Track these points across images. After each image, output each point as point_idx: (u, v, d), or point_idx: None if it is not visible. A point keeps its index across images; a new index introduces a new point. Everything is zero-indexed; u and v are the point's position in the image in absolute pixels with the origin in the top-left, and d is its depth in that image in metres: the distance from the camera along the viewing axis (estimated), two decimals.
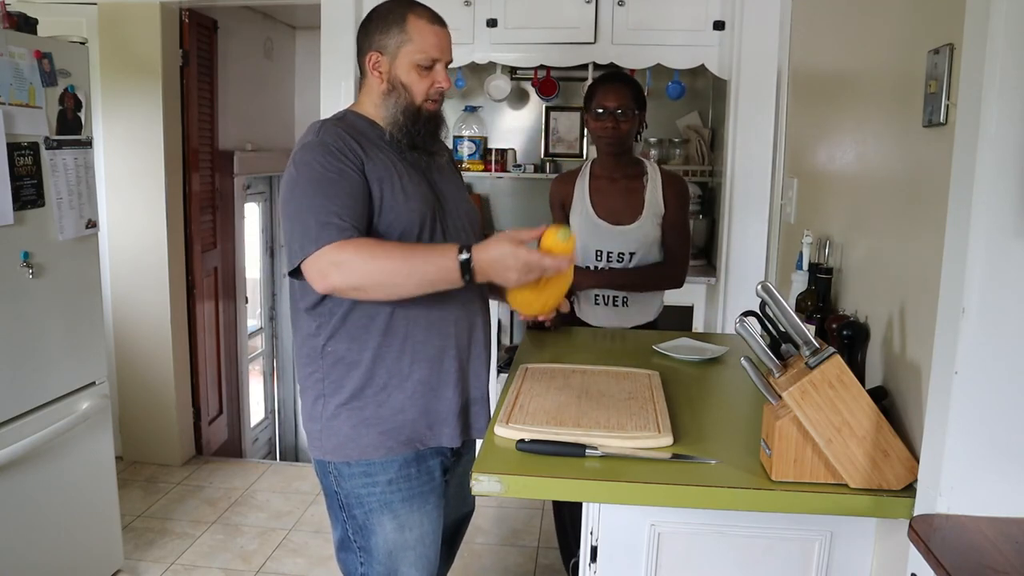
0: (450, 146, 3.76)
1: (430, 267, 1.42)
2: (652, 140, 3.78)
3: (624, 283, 2.37)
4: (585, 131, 3.99)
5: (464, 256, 1.40)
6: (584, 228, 2.39)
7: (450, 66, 1.62)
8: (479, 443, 1.63)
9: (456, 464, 1.75)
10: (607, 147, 2.34)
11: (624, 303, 2.40)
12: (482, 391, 1.70)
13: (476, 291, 1.66)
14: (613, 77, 2.37)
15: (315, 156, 1.49)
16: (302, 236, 1.45)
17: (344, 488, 1.60)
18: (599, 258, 2.38)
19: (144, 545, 2.88)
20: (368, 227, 1.50)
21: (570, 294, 2.49)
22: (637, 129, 2.36)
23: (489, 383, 1.74)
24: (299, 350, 1.63)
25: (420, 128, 1.58)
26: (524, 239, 1.43)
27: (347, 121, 1.59)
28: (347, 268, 1.41)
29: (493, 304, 1.75)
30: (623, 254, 2.37)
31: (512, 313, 4.14)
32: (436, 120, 1.62)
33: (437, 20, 1.58)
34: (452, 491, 1.77)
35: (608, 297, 2.40)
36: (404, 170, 1.56)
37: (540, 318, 1.60)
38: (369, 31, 1.58)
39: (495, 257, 1.41)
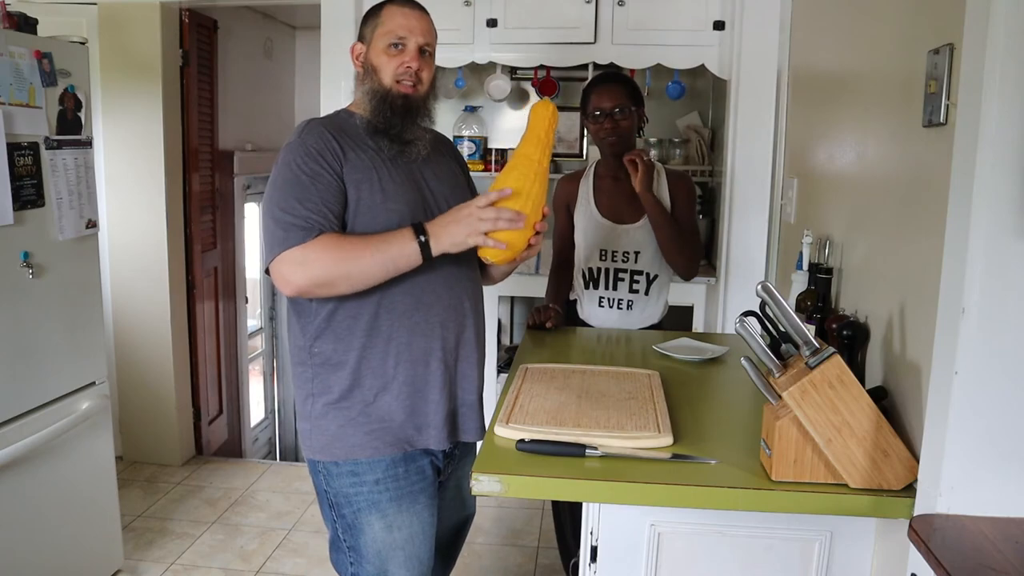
0: None
1: (390, 244, 1.46)
2: (652, 140, 3.78)
3: (665, 222, 2.27)
4: (585, 131, 4.00)
5: (421, 238, 1.46)
6: (589, 228, 2.38)
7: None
8: (477, 445, 1.62)
9: (451, 467, 1.74)
10: (610, 148, 2.32)
11: (629, 306, 2.39)
12: (472, 394, 1.68)
13: (466, 290, 1.65)
14: (605, 78, 2.36)
15: (293, 157, 1.50)
16: (271, 238, 1.47)
17: (333, 487, 1.60)
18: (604, 258, 2.37)
19: (144, 545, 2.88)
20: (343, 229, 1.51)
21: (573, 294, 2.49)
22: (638, 125, 2.35)
23: (482, 385, 1.73)
24: (291, 349, 1.65)
25: (386, 110, 1.56)
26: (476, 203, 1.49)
27: (336, 120, 1.60)
28: (311, 265, 1.44)
29: (491, 305, 1.75)
30: (628, 253, 2.36)
31: (512, 313, 4.14)
32: (409, 105, 1.57)
33: (410, 4, 1.61)
34: (450, 495, 1.77)
35: (613, 300, 2.39)
36: (387, 170, 1.55)
37: (519, 257, 1.57)
38: (359, 29, 1.64)
39: (450, 217, 1.48)
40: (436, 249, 1.47)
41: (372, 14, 1.62)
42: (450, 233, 1.47)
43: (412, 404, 1.59)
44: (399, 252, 1.46)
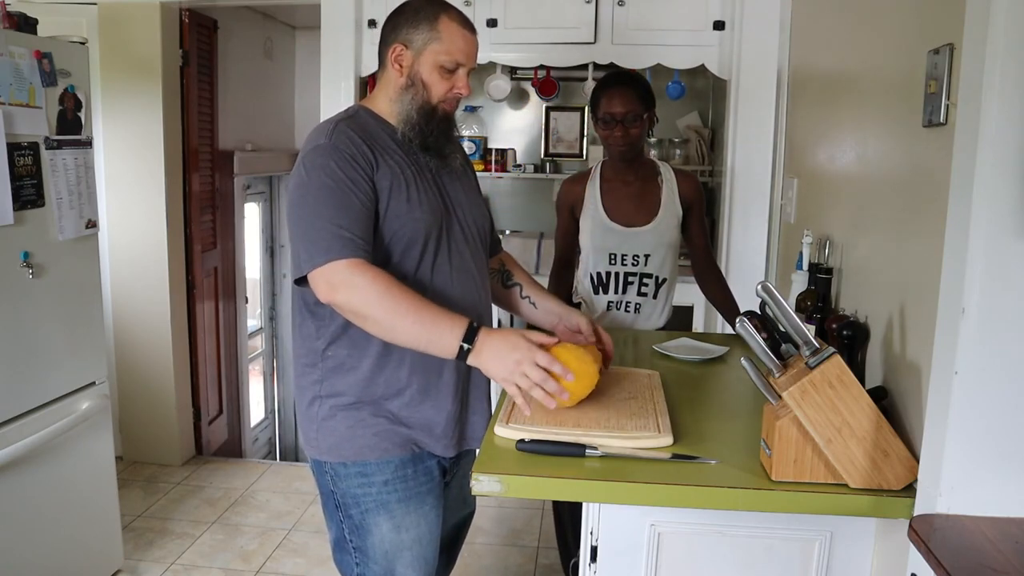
0: None
1: (433, 333, 1.41)
2: (652, 140, 3.78)
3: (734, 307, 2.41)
4: (585, 131, 4.00)
5: (471, 329, 1.40)
6: (596, 232, 2.35)
7: None
8: None
9: (455, 466, 1.74)
10: (619, 154, 2.30)
11: (637, 309, 2.37)
12: (483, 402, 1.69)
13: (480, 300, 1.65)
14: (617, 80, 2.30)
15: (327, 160, 1.46)
16: (313, 244, 1.43)
17: (340, 488, 1.60)
18: (613, 262, 2.35)
19: (144, 545, 2.88)
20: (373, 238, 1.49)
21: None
22: (648, 127, 2.31)
23: (490, 393, 1.73)
24: (298, 351, 1.63)
25: (433, 129, 1.56)
26: (536, 340, 1.43)
27: (359, 121, 1.55)
28: (359, 293, 1.41)
29: (494, 309, 1.76)
30: (638, 256, 2.34)
31: (512, 314, 4.13)
32: (449, 123, 1.60)
33: (468, 25, 1.57)
34: (452, 493, 1.77)
35: (621, 303, 2.37)
36: (413, 176, 1.53)
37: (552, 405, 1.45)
38: (397, 24, 1.56)
39: (499, 340, 1.40)
40: (472, 362, 1.43)
41: (425, 21, 1.53)
42: (491, 364, 1.41)
43: (422, 413, 1.58)
44: (438, 340, 1.41)
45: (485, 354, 1.41)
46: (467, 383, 1.64)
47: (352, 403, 1.56)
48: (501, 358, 1.40)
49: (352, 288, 1.41)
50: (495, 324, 3.38)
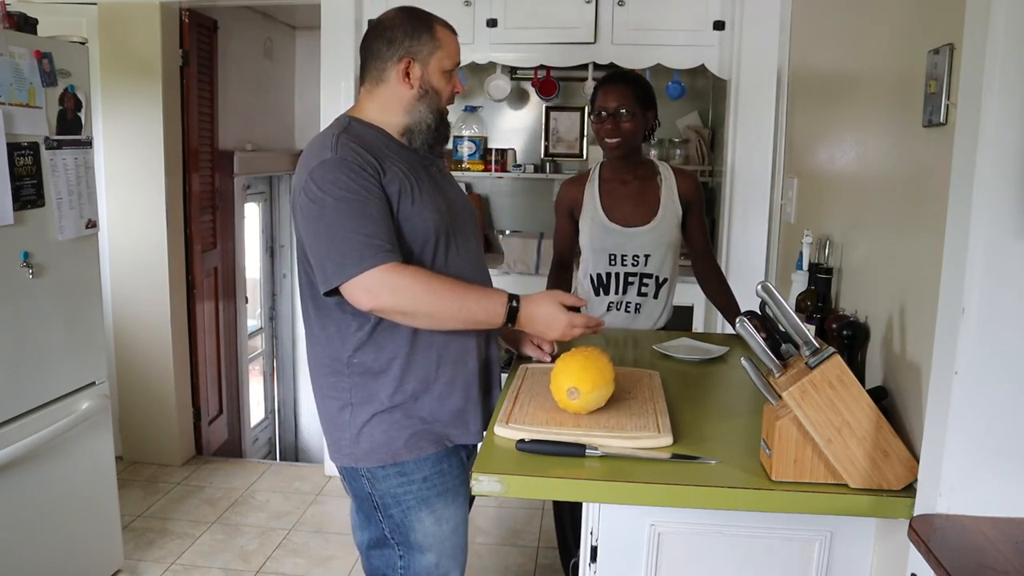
0: (450, 146, 3.77)
1: (479, 309, 1.52)
2: (652, 140, 3.78)
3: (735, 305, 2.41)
4: (585, 131, 4.00)
5: (512, 304, 1.53)
6: (596, 232, 2.35)
7: None
8: None
9: (473, 456, 1.77)
10: (611, 150, 2.30)
11: (637, 309, 2.37)
12: (497, 388, 1.75)
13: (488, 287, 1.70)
14: (615, 77, 2.32)
15: (339, 174, 1.47)
16: (343, 256, 1.45)
17: (379, 490, 1.62)
18: (613, 262, 2.34)
19: (144, 545, 2.88)
20: None
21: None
22: (646, 129, 2.31)
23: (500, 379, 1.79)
24: (318, 359, 1.63)
25: (444, 129, 1.64)
26: (566, 302, 1.58)
27: (354, 132, 1.57)
28: (403, 293, 1.46)
29: None
30: (638, 256, 2.34)
31: None
32: (447, 122, 1.68)
33: (452, 28, 1.66)
34: None
35: (621, 303, 2.37)
36: (416, 180, 1.56)
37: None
38: (394, 39, 1.58)
39: (543, 313, 1.56)
40: (522, 320, 1.54)
41: (425, 32, 1.58)
42: (541, 325, 1.56)
43: (453, 403, 1.62)
44: (486, 309, 1.52)
45: (533, 324, 1.56)
46: (487, 369, 1.70)
47: (386, 406, 1.58)
48: (549, 320, 1.56)
49: (395, 291, 1.46)
50: None
